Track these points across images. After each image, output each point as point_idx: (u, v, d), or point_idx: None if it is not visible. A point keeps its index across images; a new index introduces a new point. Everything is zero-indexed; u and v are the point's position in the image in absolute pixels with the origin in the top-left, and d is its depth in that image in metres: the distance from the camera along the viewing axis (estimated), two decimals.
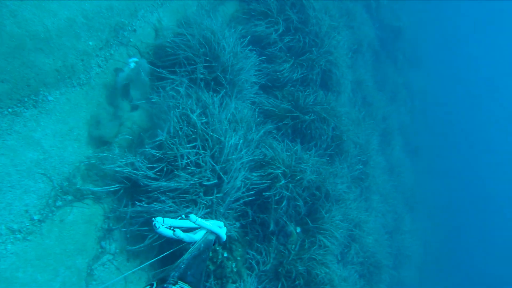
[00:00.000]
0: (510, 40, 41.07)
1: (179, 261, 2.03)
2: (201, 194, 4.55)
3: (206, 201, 4.56)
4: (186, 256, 2.14)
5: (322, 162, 6.59)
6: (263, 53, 7.14)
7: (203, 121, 4.87)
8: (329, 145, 7.25)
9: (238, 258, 5.12)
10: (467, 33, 35.95)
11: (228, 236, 5.00)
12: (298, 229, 5.97)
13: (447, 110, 29.35)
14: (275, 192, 5.43)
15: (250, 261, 5.36)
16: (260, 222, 5.57)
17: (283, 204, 5.53)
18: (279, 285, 5.55)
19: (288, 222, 5.77)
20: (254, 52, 6.50)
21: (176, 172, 4.47)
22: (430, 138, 23.04)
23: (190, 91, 5.12)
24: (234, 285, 4.94)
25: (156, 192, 4.39)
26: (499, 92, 39.42)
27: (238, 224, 5.23)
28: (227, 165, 4.78)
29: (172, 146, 4.53)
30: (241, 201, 5.09)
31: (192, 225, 2.64)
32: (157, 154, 4.52)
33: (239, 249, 5.22)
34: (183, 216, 2.65)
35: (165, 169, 4.52)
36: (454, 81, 33.20)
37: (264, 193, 5.40)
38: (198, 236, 2.60)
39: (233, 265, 5.01)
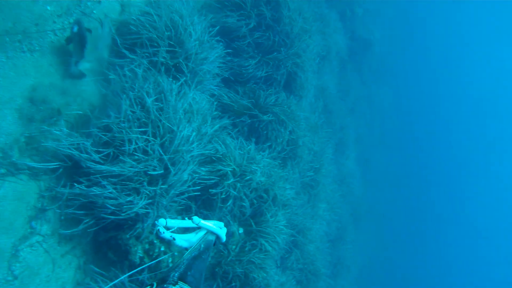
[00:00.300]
0: (475, 59, 42.40)
1: (179, 261, 2.06)
2: (145, 183, 4.34)
3: (149, 192, 4.36)
4: (186, 256, 2.15)
5: (274, 165, 6.49)
6: (230, 45, 6.97)
7: (158, 107, 4.66)
8: (284, 148, 7.17)
9: (176, 254, 4.95)
10: (435, 52, 36.84)
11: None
12: (241, 230, 5.85)
13: (405, 126, 29.98)
14: (222, 190, 5.28)
15: None
16: (203, 218, 5.41)
17: (228, 203, 5.39)
18: (215, 286, 5.43)
19: (231, 222, 5.64)
20: (221, 43, 6.32)
21: (121, 158, 4.25)
22: (383, 151, 23.44)
23: (149, 74, 4.89)
24: None
25: (98, 176, 4.15)
26: (460, 111, 40.65)
27: (179, 217, 5.06)
28: (176, 156, 4.59)
29: (121, 129, 4.30)
30: (186, 195, 4.91)
31: (193, 225, 2.68)
32: (104, 137, 4.28)
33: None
34: (186, 218, 2.69)
35: (111, 153, 4.29)
36: (417, 98, 33.99)
37: (210, 190, 5.24)
38: (198, 236, 2.65)
39: (170, 260, 4.84)
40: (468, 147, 39.66)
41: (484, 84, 42.83)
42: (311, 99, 9.78)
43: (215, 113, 6.05)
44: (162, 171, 4.44)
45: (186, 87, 5.21)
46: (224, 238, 2.84)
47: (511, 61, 43.42)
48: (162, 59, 5.12)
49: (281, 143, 7.06)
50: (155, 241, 4.65)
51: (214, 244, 2.74)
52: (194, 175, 4.94)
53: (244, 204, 5.67)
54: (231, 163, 5.45)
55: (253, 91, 7.12)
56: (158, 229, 2.50)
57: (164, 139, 4.53)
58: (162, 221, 2.55)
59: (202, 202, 5.38)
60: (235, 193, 5.41)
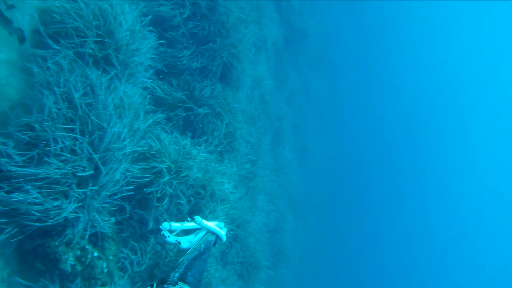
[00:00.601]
0: (410, 49, 43.85)
1: (179, 261, 2.08)
2: (74, 185, 4.04)
3: (79, 194, 4.06)
4: (186, 257, 2.18)
5: (211, 159, 6.30)
6: (163, 35, 6.68)
7: (86, 102, 4.35)
8: (220, 141, 7.01)
9: (111, 258, 4.69)
10: (370, 42, 37.78)
11: (101, 233, 4.54)
12: None
13: (340, 115, 30.66)
14: (157, 188, 5.04)
15: (124, 261, 4.92)
16: (138, 218, 5.16)
17: (164, 202, 5.16)
18: None
19: (168, 221, 5.42)
20: (154, 33, 6.02)
21: (47, 159, 3.92)
22: (320, 140, 23.83)
23: (75, 67, 4.55)
24: None
25: (20, 180, 3.80)
26: (395, 101, 42.03)
27: (113, 219, 4.76)
28: (107, 155, 4.31)
29: (45, 128, 3.96)
30: (119, 195, 4.63)
31: (195, 226, 2.77)
32: (27, 137, 3.92)
33: (112, 248, 4.78)
34: (188, 219, 2.81)
35: (36, 155, 3.94)
36: (352, 88, 34.80)
37: (145, 189, 4.99)
38: (198, 237, 2.71)
39: (104, 265, 4.56)
40: (402, 135, 41.26)
41: (418, 74, 44.56)
42: (247, 90, 9.66)
43: (148, 107, 5.75)
44: (92, 172, 4.15)
45: (117, 81, 4.89)
46: (224, 238, 2.88)
47: (444, 52, 45.39)
48: (90, 51, 4.77)
49: (217, 137, 6.89)
50: (87, 247, 4.36)
51: (214, 244, 2.77)
52: (127, 174, 4.67)
53: (181, 201, 5.45)
54: (166, 160, 5.21)
55: (188, 83, 6.89)
56: (163, 234, 2.62)
57: (93, 137, 4.23)
58: (166, 225, 2.68)
59: (137, 202, 5.11)
60: (171, 191, 5.19)
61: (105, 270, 4.56)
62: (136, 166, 4.88)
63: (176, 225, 2.76)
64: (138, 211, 5.09)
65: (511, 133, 46.51)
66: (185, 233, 2.71)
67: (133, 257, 5.00)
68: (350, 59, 33.53)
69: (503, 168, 45.41)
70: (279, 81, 14.65)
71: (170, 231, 2.68)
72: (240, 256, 8.12)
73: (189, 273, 1.91)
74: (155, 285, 1.67)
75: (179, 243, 2.62)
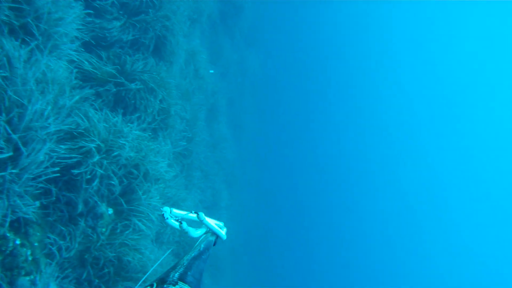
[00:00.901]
0: (347, 28, 44.24)
1: (179, 261, 2.06)
2: None
3: None
4: (186, 256, 2.16)
5: (144, 137, 6.00)
6: (91, 5, 6.22)
7: (2, 75, 3.93)
8: (154, 118, 6.71)
9: (36, 244, 4.35)
10: (307, 19, 37.80)
11: (24, 219, 4.19)
12: (110, 211, 5.34)
13: (275, 90, 30.68)
14: (86, 169, 4.72)
15: (51, 247, 4.58)
16: (66, 201, 4.80)
17: (94, 183, 4.85)
18: (85, 274, 4.91)
19: (99, 203, 5.11)
20: (80, 2, 5.58)
21: None
22: (255, 116, 23.79)
23: None
24: (28, 277, 4.17)
25: None
26: (331, 79, 42.50)
27: (37, 203, 4.40)
28: (28, 135, 3.94)
29: None
30: (44, 177, 4.28)
31: (196, 219, 2.74)
32: None
33: (38, 233, 4.44)
34: (192, 212, 2.76)
35: None
36: (288, 64, 34.85)
37: (73, 170, 4.65)
38: (199, 233, 2.72)
39: (28, 253, 4.22)
40: (338, 109, 41.96)
41: (349, 50, 45.17)
42: (181, 64, 9.34)
43: (75, 82, 5.34)
44: (11, 153, 3.78)
45: (38, 53, 4.47)
46: (224, 237, 2.89)
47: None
48: (5, 17, 4.31)
49: (151, 113, 6.58)
50: (7, 234, 4.00)
51: (214, 244, 2.75)
52: (52, 155, 4.31)
53: (112, 182, 5.15)
54: (95, 139, 4.86)
55: (119, 57, 6.49)
56: (162, 214, 2.63)
57: (11, 115, 3.84)
58: (166, 209, 2.67)
59: (64, 184, 4.75)
60: (101, 171, 4.87)
61: (30, 258, 4.23)
62: (62, 146, 4.51)
63: (177, 211, 2.73)
64: (65, 193, 4.73)
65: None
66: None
67: (61, 242, 4.66)
68: (286, 36, 33.54)
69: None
70: (214, 55, 14.34)
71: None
72: (176, 235, 7.92)
73: (189, 273, 1.90)
74: (155, 285, 1.63)
75: (181, 223, 2.64)
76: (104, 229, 5.17)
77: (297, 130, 36.26)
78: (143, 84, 6.42)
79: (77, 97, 5.01)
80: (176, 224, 2.67)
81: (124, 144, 5.28)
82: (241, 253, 19.57)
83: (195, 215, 2.75)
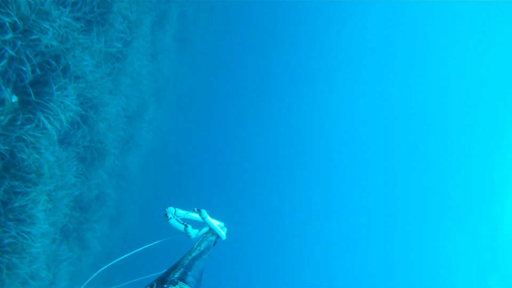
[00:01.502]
0: None
1: (179, 261, 2.04)
2: None
3: None
4: (187, 256, 2.15)
5: (75, 27, 5.29)
6: None
7: None
8: (93, 10, 5.94)
9: None
10: None
11: None
12: (15, 99, 4.70)
13: (237, 11, 28.90)
14: None
15: None
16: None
17: (1, 64, 4.19)
18: None
19: (3, 87, 4.46)
20: None
21: None
22: (206, 34, 22.61)
23: None
24: None
25: None
26: None
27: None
28: None
29: None
30: None
31: (198, 219, 2.71)
32: None
33: None
34: (195, 209, 2.70)
35: None
36: None
37: None
38: (199, 234, 2.67)
39: None
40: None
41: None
42: None
43: None
44: None
45: None
46: (224, 237, 2.85)
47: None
48: None
49: (90, 3, 5.81)
50: None
51: (214, 244, 2.69)
52: None
53: (23, 68, 4.50)
54: (11, 13, 4.15)
55: None
56: (166, 214, 2.55)
57: None
58: (171, 209, 2.58)
59: None
60: (12, 53, 4.21)
61: None
62: None
63: (181, 212, 2.63)
64: None
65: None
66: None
67: None
68: None
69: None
70: None
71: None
72: (87, 140, 7.36)
73: (189, 273, 1.86)
74: (155, 285, 1.58)
75: (186, 226, 2.57)
76: (2, 117, 4.57)
77: (252, 62, 34.43)
78: None
79: None
80: (180, 226, 2.59)
81: (48, 29, 4.60)
82: (154, 168, 19.23)
83: (197, 214, 2.71)
